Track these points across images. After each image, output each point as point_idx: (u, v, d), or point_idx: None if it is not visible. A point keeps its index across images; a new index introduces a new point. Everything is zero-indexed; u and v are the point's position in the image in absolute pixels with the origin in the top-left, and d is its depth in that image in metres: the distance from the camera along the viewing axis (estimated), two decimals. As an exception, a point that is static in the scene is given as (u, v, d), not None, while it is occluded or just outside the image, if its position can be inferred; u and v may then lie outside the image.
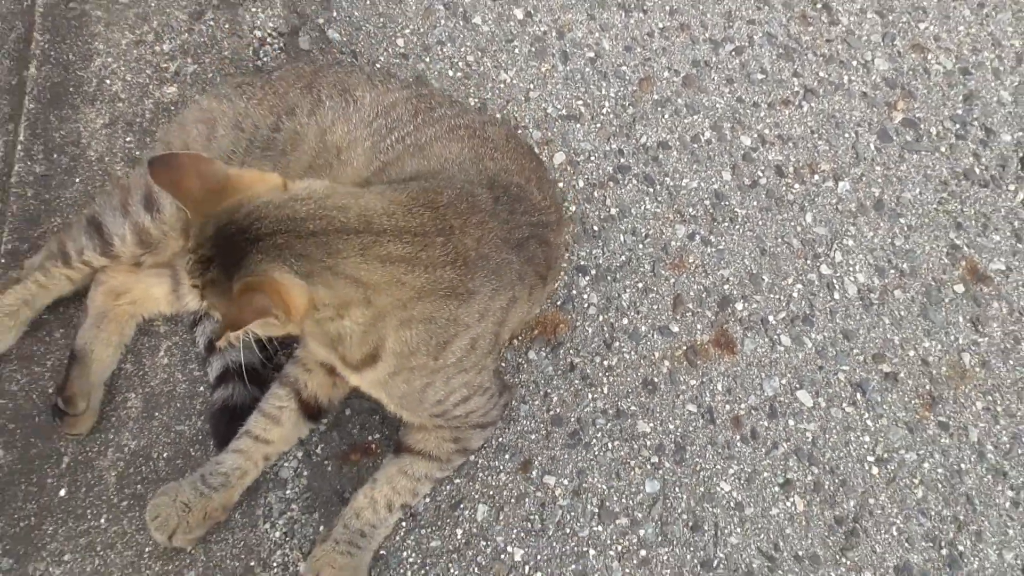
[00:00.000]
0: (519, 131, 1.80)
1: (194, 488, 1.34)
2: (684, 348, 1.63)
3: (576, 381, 1.58)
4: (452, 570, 1.41)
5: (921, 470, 1.56)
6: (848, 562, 1.47)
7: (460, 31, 1.90)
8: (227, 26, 1.82)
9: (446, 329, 1.24)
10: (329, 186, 1.21)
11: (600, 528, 1.46)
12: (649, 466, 1.52)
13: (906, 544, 1.50)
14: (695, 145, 1.83)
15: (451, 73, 1.85)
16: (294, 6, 1.88)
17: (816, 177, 1.83)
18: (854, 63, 1.99)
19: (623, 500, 1.49)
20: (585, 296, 1.65)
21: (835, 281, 1.72)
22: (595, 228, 1.72)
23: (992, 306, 1.73)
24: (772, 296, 1.69)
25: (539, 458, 1.51)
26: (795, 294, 1.70)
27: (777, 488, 1.52)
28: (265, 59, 1.80)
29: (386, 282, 1.16)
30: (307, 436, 1.45)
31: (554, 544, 1.45)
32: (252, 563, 1.36)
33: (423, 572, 1.41)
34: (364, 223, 1.16)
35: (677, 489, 1.51)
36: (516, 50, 1.89)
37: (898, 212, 1.81)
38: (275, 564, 1.38)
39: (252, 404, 1.42)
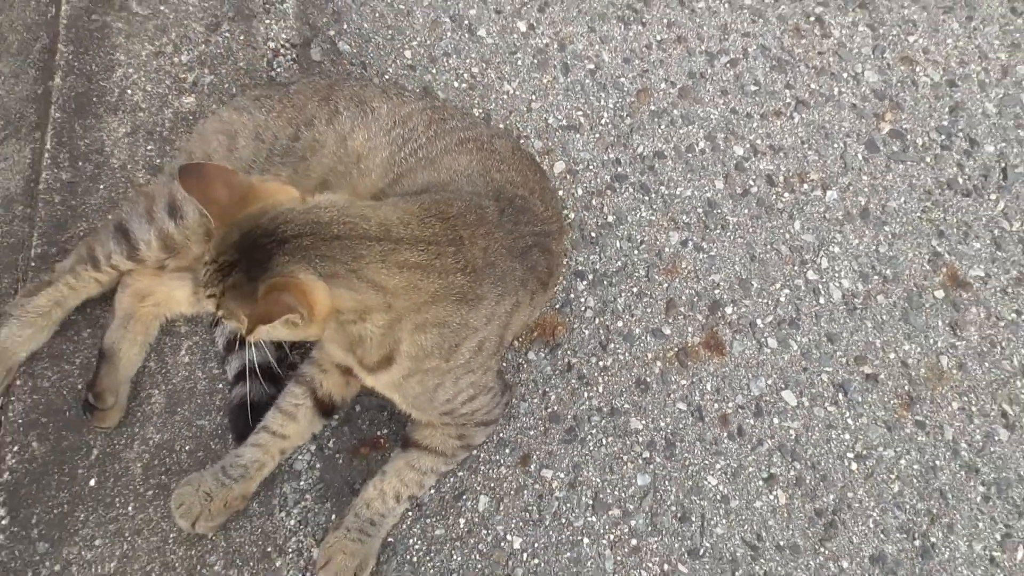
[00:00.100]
0: (521, 141, 1.88)
1: (215, 479, 1.43)
2: (676, 350, 1.72)
3: (573, 380, 1.67)
4: (455, 557, 1.51)
5: (898, 466, 1.65)
6: (826, 552, 1.56)
7: (465, 43, 1.98)
8: (242, 38, 1.90)
9: (457, 333, 1.32)
10: (348, 198, 1.29)
11: (594, 518, 1.56)
12: (641, 461, 1.61)
13: (882, 535, 1.59)
14: (689, 155, 1.92)
15: (456, 84, 1.93)
16: (306, 18, 1.96)
17: (805, 186, 1.91)
18: (845, 75, 2.06)
19: (616, 492, 1.58)
20: (582, 300, 1.74)
21: (821, 286, 1.81)
22: (593, 235, 1.81)
23: (970, 311, 1.81)
24: (760, 300, 1.78)
25: (537, 452, 1.61)
26: (782, 299, 1.79)
27: (761, 482, 1.61)
28: (278, 70, 1.88)
29: (404, 288, 1.24)
30: (320, 431, 1.54)
31: (551, 533, 1.54)
32: (269, 549, 1.46)
33: (428, 558, 1.50)
34: (384, 231, 1.24)
35: (667, 482, 1.60)
36: (519, 62, 1.98)
37: (883, 220, 1.89)
38: (290, 550, 1.47)
39: (268, 401, 1.51)
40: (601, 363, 1.69)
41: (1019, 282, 1.84)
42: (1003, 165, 1.98)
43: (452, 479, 1.57)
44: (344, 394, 1.52)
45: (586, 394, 1.66)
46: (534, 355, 1.68)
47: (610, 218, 1.83)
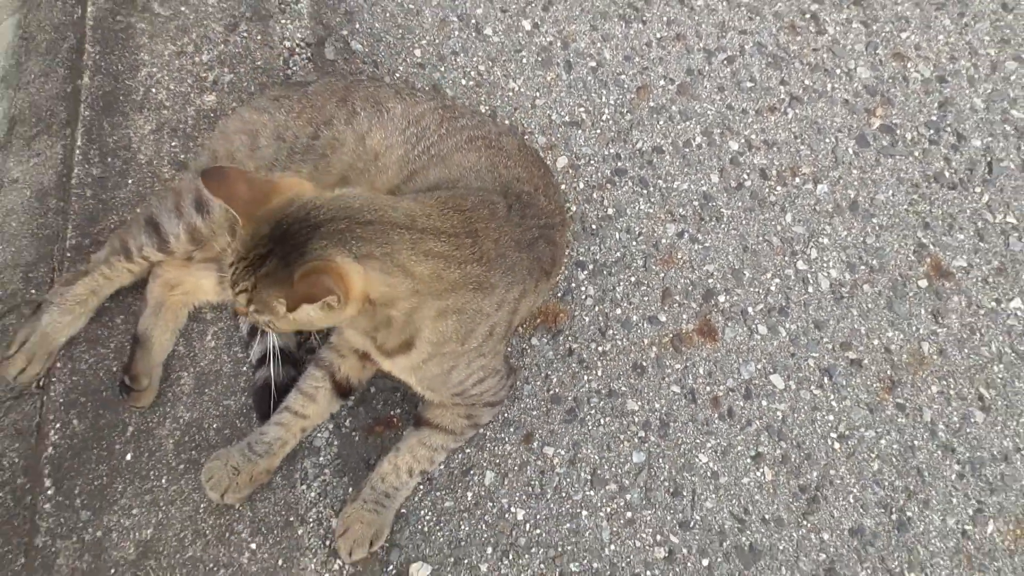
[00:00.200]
0: (526, 137, 1.98)
1: (242, 454, 1.54)
2: (671, 336, 1.82)
3: (574, 364, 1.78)
4: (463, 527, 1.63)
5: (878, 446, 1.76)
6: (809, 524, 1.68)
7: (472, 42, 2.07)
8: (259, 37, 1.99)
9: (472, 319, 1.41)
10: (370, 192, 1.39)
11: (592, 493, 1.67)
12: (636, 440, 1.72)
13: (861, 510, 1.70)
14: (687, 150, 2.01)
15: (464, 82, 2.02)
16: (320, 18, 2.05)
17: (797, 180, 2.00)
18: (838, 71, 2.15)
19: (613, 469, 1.70)
20: (583, 289, 1.85)
21: (810, 276, 1.91)
22: (593, 227, 1.91)
23: (952, 300, 1.91)
24: (752, 289, 1.88)
25: (539, 431, 1.72)
26: (773, 288, 1.89)
27: (749, 460, 1.73)
28: (294, 68, 1.98)
29: (429, 275, 1.31)
30: (338, 411, 1.65)
31: (551, 506, 1.66)
32: (291, 519, 1.58)
33: (438, 528, 1.62)
34: (410, 221, 1.32)
35: (660, 460, 1.71)
36: (524, 60, 2.06)
37: (871, 212, 1.99)
38: (311, 520, 1.59)
39: (289, 383, 1.63)
40: (600, 348, 1.80)
41: (1000, 272, 1.93)
42: (989, 159, 2.06)
43: (460, 455, 1.68)
44: (360, 377, 1.63)
45: (586, 377, 1.77)
46: (537, 340, 1.79)
47: (610, 211, 1.93)
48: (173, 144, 1.85)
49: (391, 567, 1.57)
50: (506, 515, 1.64)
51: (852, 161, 2.04)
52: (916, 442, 1.77)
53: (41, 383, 1.63)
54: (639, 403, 1.75)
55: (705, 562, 1.62)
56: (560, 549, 1.62)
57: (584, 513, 1.65)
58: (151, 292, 1.63)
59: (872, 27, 2.20)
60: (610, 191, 1.94)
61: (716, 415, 1.76)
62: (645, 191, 1.95)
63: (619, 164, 1.97)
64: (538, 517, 1.64)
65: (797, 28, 2.18)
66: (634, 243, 1.90)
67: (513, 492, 1.66)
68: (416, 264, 1.30)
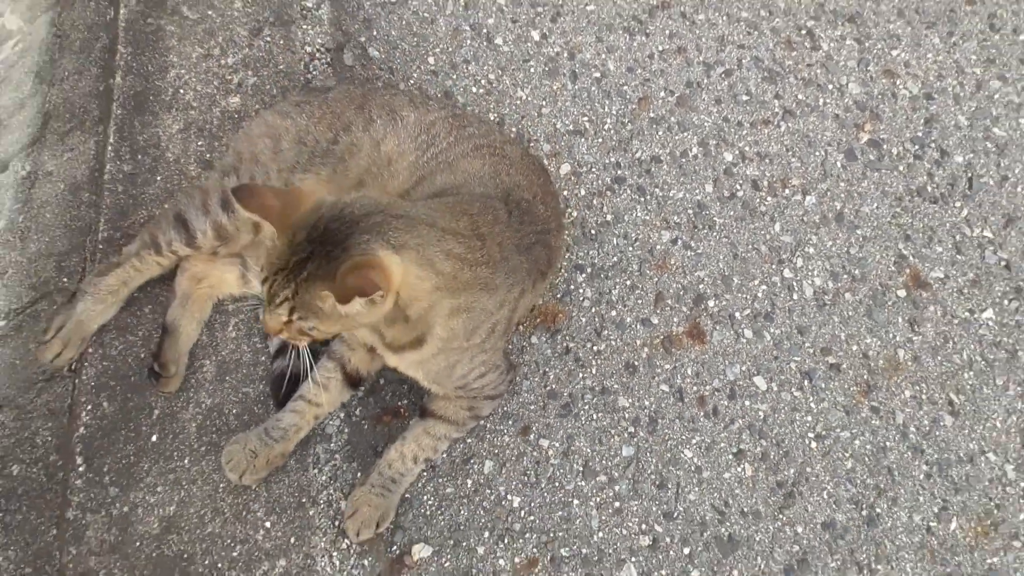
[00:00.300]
0: (531, 144, 2.08)
1: (259, 439, 1.66)
2: (662, 337, 1.94)
3: (570, 362, 1.90)
4: (463, 512, 1.75)
5: (852, 446, 1.88)
6: (784, 518, 1.80)
7: (483, 51, 2.17)
8: (282, 42, 2.10)
9: (478, 317, 1.52)
10: (389, 195, 1.50)
11: (583, 483, 1.80)
12: (626, 435, 1.85)
13: (834, 505, 1.82)
14: (683, 160, 2.12)
15: (474, 89, 2.13)
16: (340, 24, 2.15)
17: (787, 191, 2.11)
18: (830, 86, 2.25)
19: (603, 461, 1.82)
20: (581, 291, 1.96)
21: (795, 283, 2.02)
22: (593, 232, 2.02)
23: (928, 309, 2.02)
24: (740, 295, 2.00)
25: (536, 424, 1.84)
26: (760, 294, 2.00)
27: (731, 456, 1.85)
28: (314, 72, 2.08)
29: (448, 273, 1.40)
30: (348, 401, 1.77)
31: (545, 494, 1.78)
32: (303, 500, 1.70)
33: (439, 512, 1.75)
34: (431, 220, 1.41)
35: (648, 454, 1.83)
36: (532, 69, 2.17)
37: (856, 224, 2.09)
38: (321, 501, 1.71)
39: (304, 374, 1.74)
40: (595, 348, 1.91)
41: (974, 284, 2.05)
42: (970, 175, 2.17)
43: (462, 445, 1.80)
44: (369, 368, 1.75)
45: (581, 375, 1.89)
46: (536, 339, 1.91)
47: (609, 217, 2.04)
48: (199, 143, 1.96)
49: (395, 547, 1.70)
50: (503, 502, 1.77)
51: (840, 174, 2.14)
52: (888, 443, 1.89)
53: (73, 367, 1.75)
54: (630, 400, 1.87)
55: (686, 550, 1.75)
56: (552, 535, 1.74)
57: (575, 502, 1.78)
58: (179, 284, 1.74)
59: (865, 44, 2.30)
60: (609, 198, 2.05)
61: (702, 413, 1.88)
62: (643, 199, 2.06)
63: (619, 172, 2.08)
64: (532, 504, 1.77)
65: (793, 44, 2.28)
66: (631, 248, 2.01)
67: (510, 481, 1.78)
68: (440, 261, 1.39)
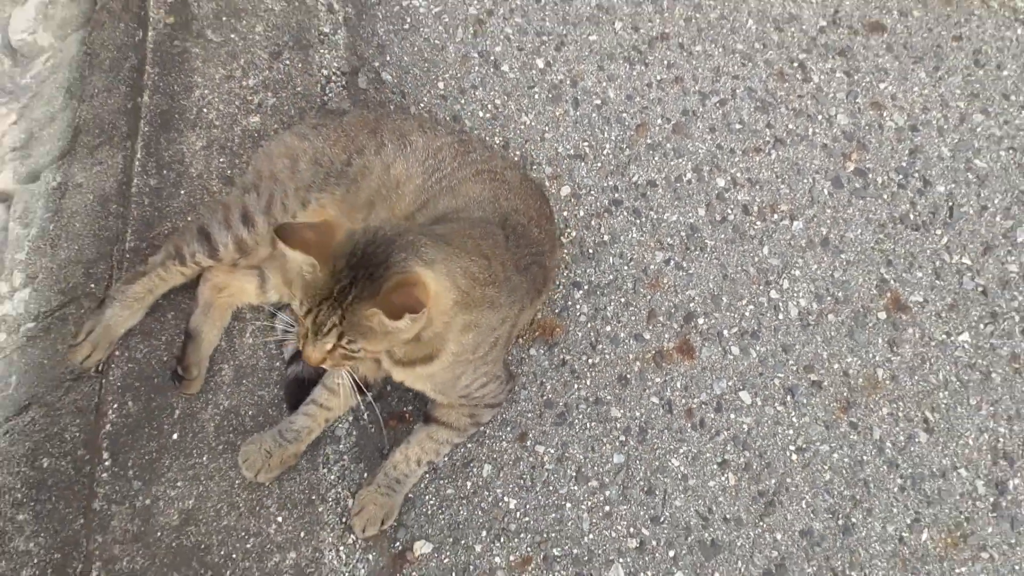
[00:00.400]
0: (534, 167, 2.20)
1: (273, 439, 1.77)
2: (653, 352, 2.05)
3: (566, 374, 2.01)
4: (462, 512, 1.86)
5: (831, 459, 1.99)
6: (764, 525, 1.91)
7: (490, 77, 2.29)
8: (300, 65, 2.22)
9: (485, 332, 1.62)
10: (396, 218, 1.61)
11: (576, 488, 1.91)
12: (617, 443, 1.96)
13: (812, 514, 1.93)
14: (678, 184, 2.23)
15: (481, 114, 2.25)
16: (355, 49, 2.27)
17: (775, 216, 2.23)
18: (819, 117, 2.36)
19: (595, 468, 1.93)
20: (578, 307, 2.08)
21: (781, 304, 2.14)
22: (590, 251, 2.14)
23: (907, 331, 2.13)
24: (728, 314, 2.11)
25: (533, 431, 1.95)
26: (747, 313, 2.12)
27: (715, 466, 1.96)
28: (330, 95, 2.20)
29: (465, 290, 1.49)
30: (357, 405, 1.88)
31: (540, 497, 1.89)
32: (313, 497, 1.81)
33: (440, 512, 1.86)
34: (448, 240, 1.52)
35: (637, 462, 1.94)
36: (536, 95, 2.29)
37: (840, 249, 2.21)
38: (330, 499, 1.82)
39: (316, 378, 1.86)
40: (590, 360, 2.03)
41: (952, 308, 2.16)
42: (951, 204, 2.28)
43: (462, 449, 1.91)
44: (376, 375, 1.85)
45: (576, 386, 2.00)
46: (535, 351, 2.02)
47: (606, 237, 2.15)
48: (221, 160, 2.08)
49: (398, 543, 1.81)
50: (500, 503, 1.87)
51: (826, 201, 2.26)
52: (865, 457, 2.00)
53: (100, 368, 1.87)
54: (622, 411, 1.99)
55: (671, 553, 1.86)
56: (545, 535, 1.85)
57: (568, 505, 1.89)
58: (202, 293, 1.86)
59: (854, 77, 2.42)
60: (607, 219, 2.17)
61: (689, 425, 1.99)
62: (638, 221, 2.18)
63: (616, 195, 2.20)
64: (528, 506, 1.88)
65: (785, 75, 2.40)
66: (625, 267, 2.13)
67: (507, 484, 1.89)
68: (459, 278, 1.49)
